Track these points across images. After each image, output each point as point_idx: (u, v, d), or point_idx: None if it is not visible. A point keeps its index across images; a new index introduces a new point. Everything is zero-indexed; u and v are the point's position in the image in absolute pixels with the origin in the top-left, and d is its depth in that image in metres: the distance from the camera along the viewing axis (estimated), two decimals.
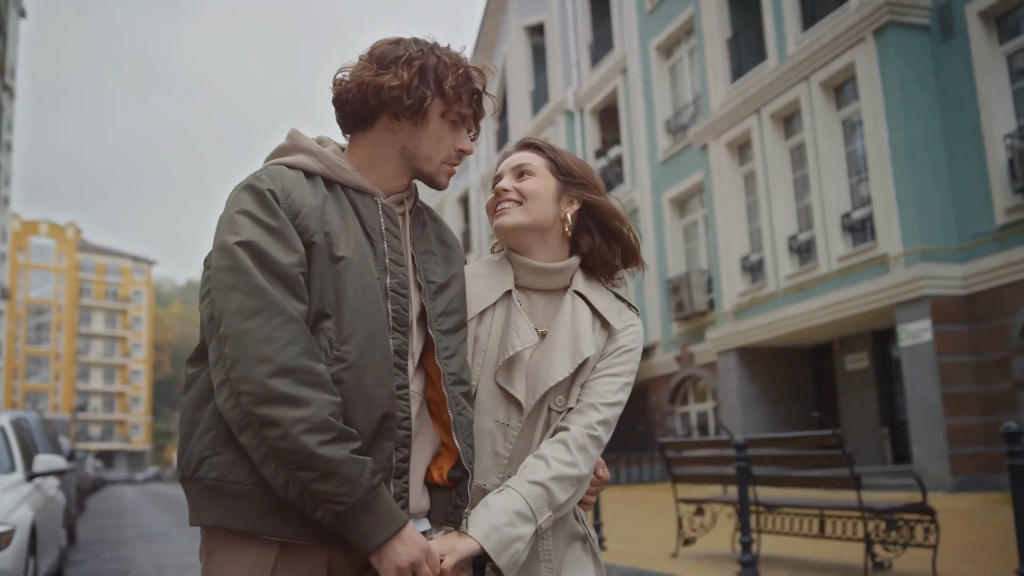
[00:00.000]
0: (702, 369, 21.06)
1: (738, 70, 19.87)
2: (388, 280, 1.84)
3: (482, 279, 2.03)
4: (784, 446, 8.31)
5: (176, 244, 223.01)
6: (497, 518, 1.77)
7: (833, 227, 16.51)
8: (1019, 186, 13.52)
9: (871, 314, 15.81)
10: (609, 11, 25.79)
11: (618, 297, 2.07)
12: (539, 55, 30.58)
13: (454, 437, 1.83)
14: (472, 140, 1.99)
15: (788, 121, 18.23)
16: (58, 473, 8.06)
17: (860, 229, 16.24)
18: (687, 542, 8.43)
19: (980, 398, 14.21)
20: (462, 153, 1.96)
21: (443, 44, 1.94)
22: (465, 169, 34.79)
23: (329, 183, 1.88)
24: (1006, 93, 14.30)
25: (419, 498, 1.84)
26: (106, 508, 27.08)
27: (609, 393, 1.94)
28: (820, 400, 19.66)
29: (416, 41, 1.92)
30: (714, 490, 9.86)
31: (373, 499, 1.66)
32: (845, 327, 17.35)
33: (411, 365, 1.84)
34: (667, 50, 22.92)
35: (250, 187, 1.79)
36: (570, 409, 1.94)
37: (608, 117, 26.14)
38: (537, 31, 30.58)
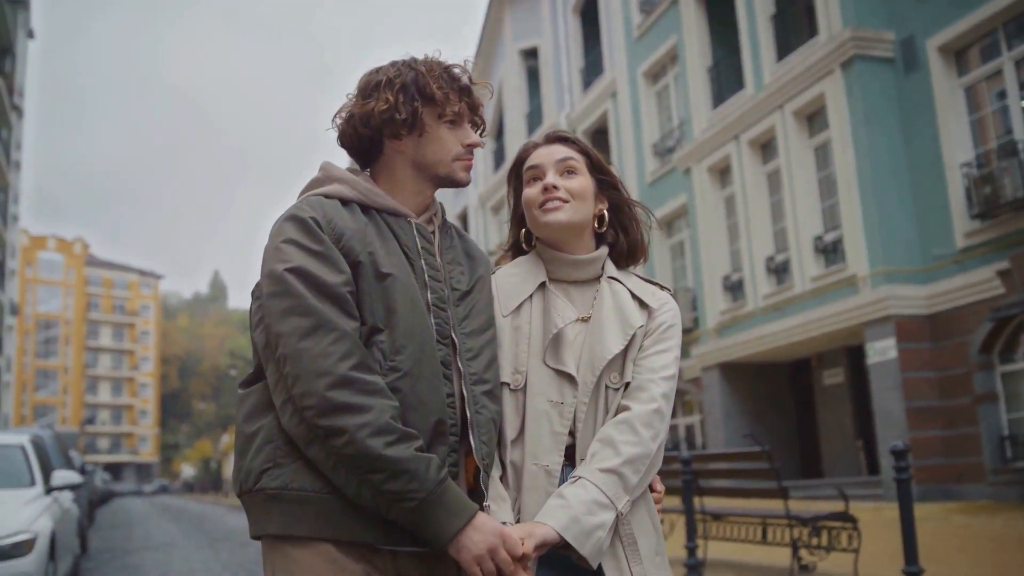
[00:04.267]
0: (688, 384, 21.82)
1: (719, 97, 20.68)
2: (429, 295, 1.93)
3: (515, 276, 2.10)
4: (724, 461, 9.11)
5: (182, 258, 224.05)
6: (575, 509, 1.79)
7: (806, 249, 17.31)
8: (975, 212, 14.30)
9: (843, 332, 16.59)
10: (600, 36, 26.61)
11: (647, 280, 2.15)
12: (534, 78, 31.39)
13: (470, 434, 1.88)
14: (480, 134, 2.09)
15: (765, 147, 19.05)
16: (73, 487, 8.87)
17: (831, 251, 17.04)
18: None
19: (942, 412, 14.98)
20: (471, 147, 2.04)
21: (431, 55, 2.04)
22: (463, 189, 35.50)
23: (365, 209, 1.96)
24: (964, 123, 15.10)
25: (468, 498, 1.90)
26: (115, 520, 27.74)
27: (663, 368, 2.00)
28: (800, 414, 20.44)
29: (393, 63, 2.02)
30: (717, 501, 10.55)
31: (443, 492, 1.73)
32: (820, 344, 18.13)
33: (455, 375, 1.92)
34: (654, 76, 23.73)
35: (293, 217, 1.87)
36: (626, 385, 1.98)
37: (599, 139, 26.91)
38: (531, 55, 31.40)
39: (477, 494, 1.88)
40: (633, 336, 2.00)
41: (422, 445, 1.76)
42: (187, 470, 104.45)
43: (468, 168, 2.05)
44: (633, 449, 1.87)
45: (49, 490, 8.39)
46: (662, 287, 2.14)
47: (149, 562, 12.91)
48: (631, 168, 24.12)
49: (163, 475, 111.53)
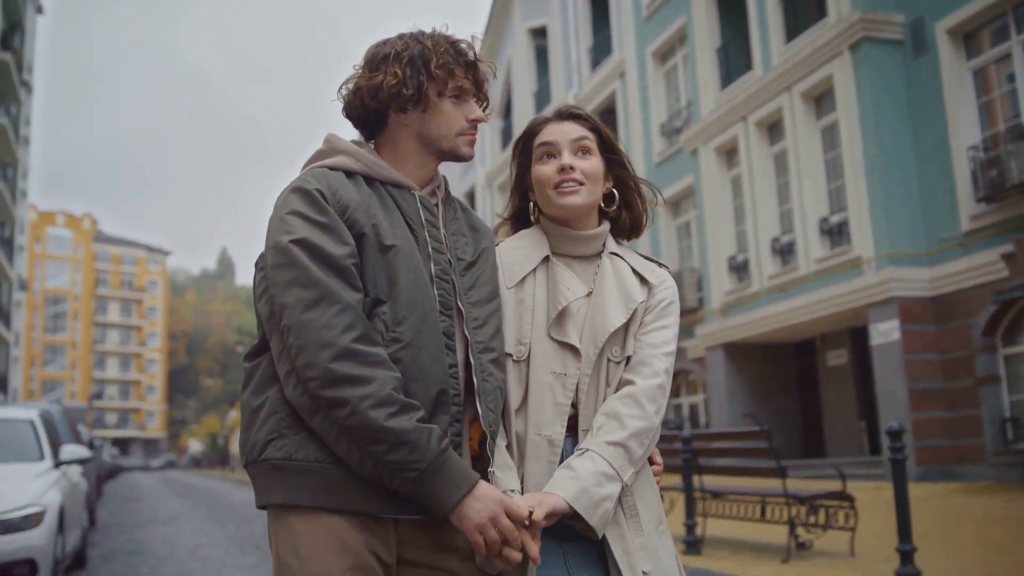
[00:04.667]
0: (693, 363, 21.91)
1: (727, 78, 20.66)
2: (432, 267, 1.94)
3: (519, 250, 2.12)
4: (724, 440, 9.20)
5: (190, 234, 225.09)
6: (584, 480, 1.82)
7: (812, 230, 17.33)
8: (981, 195, 14.31)
9: (847, 313, 16.63)
10: (608, 16, 26.56)
11: (646, 257, 2.17)
12: (542, 57, 31.33)
13: (476, 401, 1.90)
14: (484, 109, 2.09)
15: (772, 129, 19.04)
16: (81, 461, 8.99)
17: (837, 233, 17.07)
18: None
19: (944, 394, 15.04)
20: (475, 123, 2.05)
21: (438, 29, 2.04)
22: (471, 167, 35.61)
23: (369, 181, 1.97)
24: (972, 107, 15.09)
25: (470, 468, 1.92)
26: (122, 494, 28.03)
27: (664, 343, 2.03)
28: (804, 394, 20.52)
29: (401, 36, 2.02)
30: (717, 480, 10.64)
31: (443, 462, 1.75)
32: (825, 325, 18.19)
33: (458, 345, 1.94)
34: (662, 56, 23.69)
35: (298, 189, 1.88)
36: (628, 359, 2.02)
37: (607, 119, 26.84)
38: (540, 34, 31.34)
39: (483, 461, 1.91)
40: (635, 311, 2.03)
41: (424, 416, 1.77)
42: (194, 445, 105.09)
43: (472, 143, 2.06)
44: (639, 423, 1.91)
45: (58, 464, 8.50)
46: (660, 264, 2.16)
47: (156, 535, 13.07)
48: (639, 148, 24.12)
49: (170, 450, 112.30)
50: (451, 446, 1.80)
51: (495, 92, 34.03)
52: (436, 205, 2.05)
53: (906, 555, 5.84)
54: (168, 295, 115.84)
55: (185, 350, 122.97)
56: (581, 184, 2.04)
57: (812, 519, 7.50)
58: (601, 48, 27.04)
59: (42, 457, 8.45)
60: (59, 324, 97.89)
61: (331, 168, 1.96)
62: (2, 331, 37.90)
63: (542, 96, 30.68)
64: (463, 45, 2.02)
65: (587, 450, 1.87)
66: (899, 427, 5.93)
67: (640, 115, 24.14)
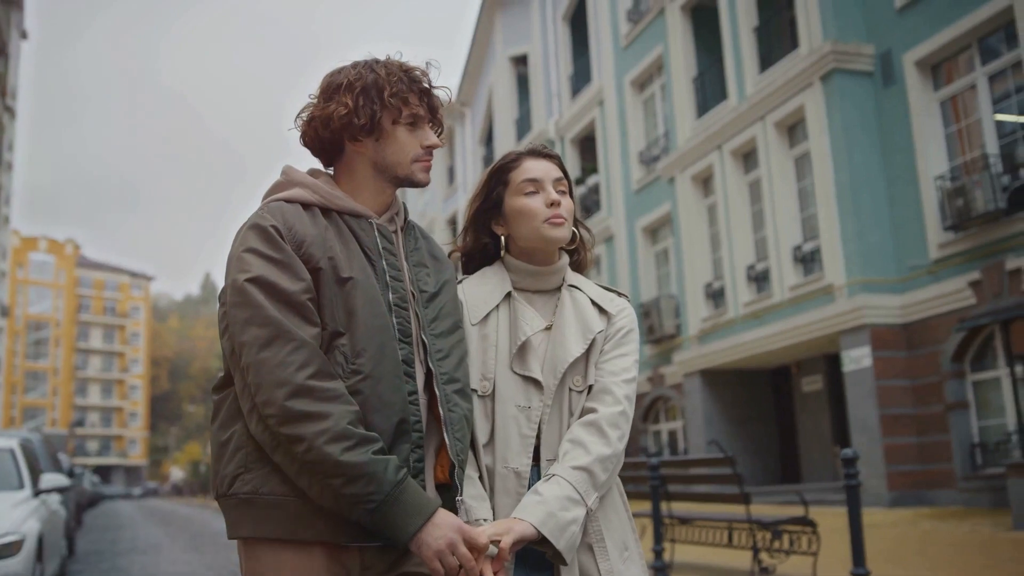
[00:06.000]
0: (671, 390, 22.10)
1: (703, 107, 20.97)
2: (390, 295, 1.97)
3: (482, 287, 2.19)
4: (690, 467, 9.40)
5: (173, 260, 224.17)
6: (550, 504, 1.87)
7: (786, 258, 17.61)
8: (948, 224, 14.61)
9: (821, 340, 16.87)
10: (588, 44, 26.90)
11: (605, 288, 2.24)
12: (523, 84, 31.67)
13: (443, 431, 1.94)
14: (439, 135, 2.12)
15: (747, 157, 19.34)
16: (61, 490, 9.11)
17: (810, 260, 17.34)
18: None
19: (915, 419, 15.28)
20: (430, 149, 2.08)
21: (392, 55, 2.08)
22: (454, 193, 35.88)
23: (326, 212, 2.00)
24: (940, 137, 15.41)
25: (432, 495, 1.95)
26: (103, 522, 27.88)
27: (624, 371, 2.10)
28: (780, 420, 20.74)
29: (355, 64, 2.05)
30: (686, 506, 10.84)
31: (400, 492, 1.78)
32: (799, 351, 18.43)
33: (419, 372, 1.98)
34: (641, 84, 24.02)
35: (255, 226, 1.92)
36: (590, 387, 2.09)
37: (587, 147, 27.22)
38: (521, 61, 31.68)
39: (453, 490, 1.94)
40: (593, 340, 2.09)
41: (382, 448, 1.81)
42: (176, 473, 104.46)
43: (427, 169, 2.09)
44: (602, 449, 1.97)
45: (37, 493, 8.60)
46: (620, 294, 2.23)
47: (136, 564, 13.12)
48: (617, 176, 24.41)
49: (152, 478, 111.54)
50: (410, 474, 1.85)
51: (478, 120, 34.39)
52: (395, 232, 2.08)
53: None
54: (151, 321, 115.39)
55: (168, 376, 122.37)
56: (565, 220, 2.15)
57: (776, 544, 7.70)
58: (581, 76, 27.38)
59: (22, 486, 8.54)
60: (40, 351, 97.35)
61: (288, 201, 1.99)
62: None
63: (523, 123, 30.98)
64: (417, 73, 2.05)
65: (553, 475, 1.93)
66: (853, 454, 6.13)
67: (619, 142, 24.44)
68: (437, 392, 1.95)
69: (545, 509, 1.87)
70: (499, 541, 1.82)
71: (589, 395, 2.08)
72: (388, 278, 1.98)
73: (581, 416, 2.05)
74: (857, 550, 6.02)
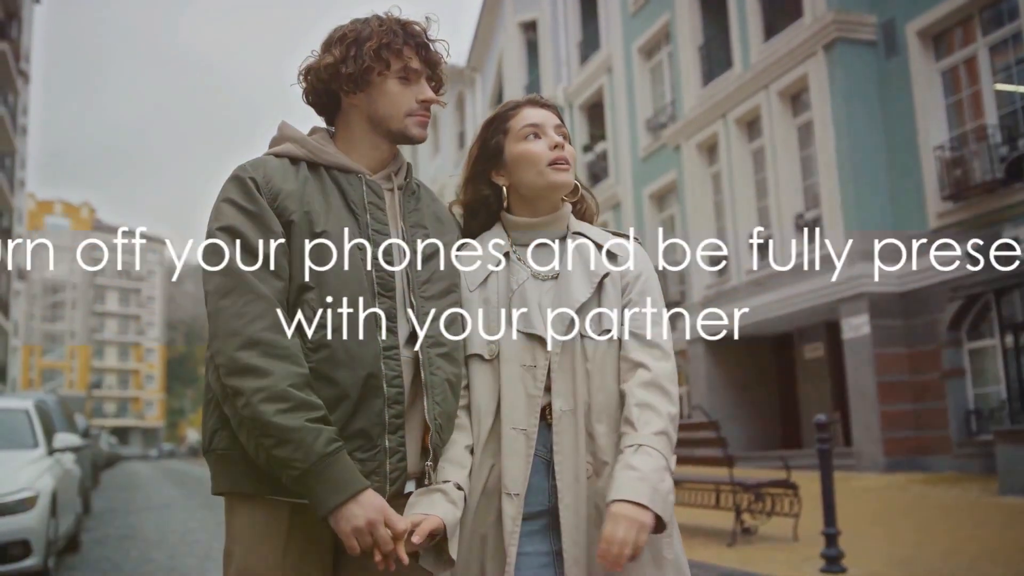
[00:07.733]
0: (677, 356, 22.22)
1: (708, 75, 21.07)
2: (371, 249, 1.93)
3: (480, 251, 2.13)
4: (680, 431, 9.66)
5: (189, 223, 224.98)
6: (651, 479, 1.83)
7: (788, 226, 17.80)
8: (947, 193, 14.78)
9: (822, 308, 17.09)
10: (597, 11, 26.92)
11: (611, 232, 2.18)
12: (532, 51, 31.69)
13: (423, 394, 1.92)
14: (438, 92, 2.09)
15: (751, 126, 19.48)
16: (74, 449, 9.47)
17: (811, 229, 17.51)
18: None
19: (912, 387, 15.54)
20: (426, 103, 2.04)
21: (392, 12, 2.04)
22: (464, 158, 35.93)
23: (313, 166, 1.98)
24: (940, 107, 15.54)
25: (417, 459, 1.94)
26: (119, 482, 28.41)
27: (660, 319, 2.07)
28: (782, 386, 20.99)
29: (356, 20, 2.03)
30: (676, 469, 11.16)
31: (327, 466, 1.73)
32: (801, 319, 18.64)
33: (402, 330, 1.94)
34: (648, 52, 24.09)
35: (235, 177, 1.92)
36: (607, 332, 2.02)
37: (595, 113, 27.29)
38: (531, 28, 31.67)
39: (426, 453, 1.93)
40: (602, 284, 2.04)
41: (321, 417, 1.76)
42: (192, 435, 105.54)
43: (423, 124, 2.05)
44: (670, 408, 1.94)
45: (51, 452, 8.94)
46: (627, 236, 2.17)
47: (149, 521, 13.53)
48: (625, 143, 24.53)
49: (169, 439, 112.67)
50: (384, 432, 1.85)
51: (487, 85, 34.43)
52: (392, 191, 2.05)
53: (831, 538, 6.32)
54: (167, 284, 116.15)
55: (184, 339, 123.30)
56: (569, 164, 2.10)
57: (759, 506, 8.00)
58: (589, 43, 27.42)
59: (36, 445, 8.85)
60: (57, 313, 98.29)
61: (277, 155, 1.99)
62: (1, 321, 38.33)
63: (532, 89, 30.96)
64: (415, 27, 2.02)
65: (640, 445, 1.88)
66: (826, 419, 6.41)
67: (627, 110, 24.54)
68: (420, 355, 1.93)
69: (649, 485, 1.83)
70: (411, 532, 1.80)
71: (634, 346, 2.02)
72: (371, 231, 1.95)
73: (626, 368, 2.01)
74: (828, 511, 6.31)
